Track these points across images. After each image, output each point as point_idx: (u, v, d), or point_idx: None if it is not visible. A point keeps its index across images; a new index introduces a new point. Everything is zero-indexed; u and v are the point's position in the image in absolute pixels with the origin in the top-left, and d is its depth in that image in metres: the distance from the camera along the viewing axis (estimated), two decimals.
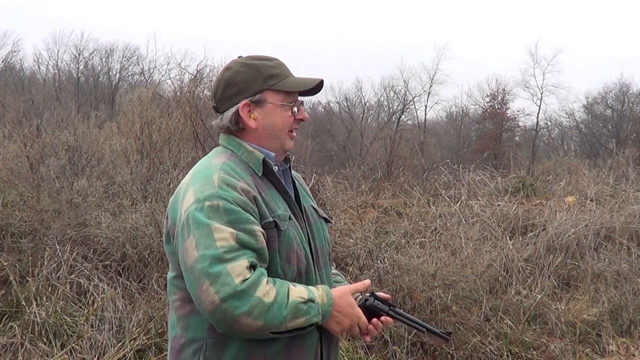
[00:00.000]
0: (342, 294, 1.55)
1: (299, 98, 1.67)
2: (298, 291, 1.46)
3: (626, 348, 4.58)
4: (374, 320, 1.61)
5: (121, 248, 4.75)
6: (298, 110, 1.66)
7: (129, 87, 28.92)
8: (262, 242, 1.47)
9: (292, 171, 1.79)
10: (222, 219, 1.43)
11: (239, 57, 1.67)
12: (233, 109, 1.61)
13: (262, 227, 1.49)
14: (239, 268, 1.38)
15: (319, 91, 1.67)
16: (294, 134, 1.67)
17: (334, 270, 1.87)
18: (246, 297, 1.37)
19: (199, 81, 9.43)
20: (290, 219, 1.58)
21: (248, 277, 1.39)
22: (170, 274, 1.61)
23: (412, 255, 4.87)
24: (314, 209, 1.76)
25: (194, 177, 1.55)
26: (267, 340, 1.46)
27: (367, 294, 1.66)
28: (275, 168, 1.63)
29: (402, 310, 1.67)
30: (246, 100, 1.59)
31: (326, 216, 1.82)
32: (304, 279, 1.58)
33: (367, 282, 1.66)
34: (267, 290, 1.40)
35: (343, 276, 1.91)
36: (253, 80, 1.60)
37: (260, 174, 1.59)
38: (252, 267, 1.42)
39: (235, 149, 1.62)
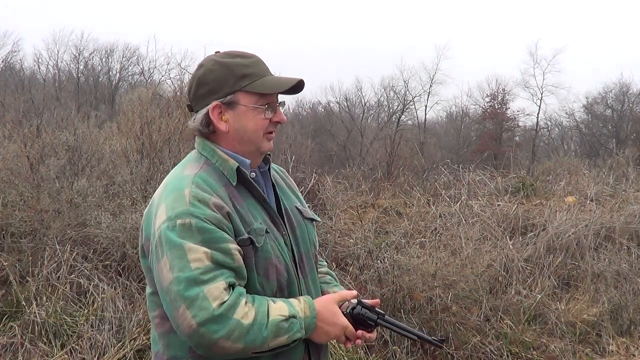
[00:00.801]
0: (325, 304, 1.50)
1: (281, 98, 1.57)
2: (278, 308, 1.41)
3: (626, 348, 4.58)
4: (359, 332, 1.54)
5: (121, 248, 4.75)
6: (275, 112, 1.54)
7: (129, 87, 28.93)
8: (239, 260, 1.41)
9: (275, 167, 1.71)
10: (196, 238, 1.36)
11: (215, 53, 1.56)
12: (204, 110, 1.51)
13: (237, 244, 1.42)
14: (216, 291, 1.33)
15: (299, 91, 1.56)
16: (272, 135, 1.57)
17: (324, 269, 1.80)
18: (224, 320, 1.32)
19: None
20: (267, 232, 1.49)
21: (226, 299, 1.33)
22: (148, 290, 1.54)
23: (412, 255, 4.87)
24: (298, 210, 1.67)
25: (166, 189, 1.47)
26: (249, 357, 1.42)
27: (355, 302, 1.58)
28: (253, 174, 1.55)
29: (391, 318, 1.60)
30: (217, 101, 1.49)
31: (312, 216, 1.73)
32: (286, 292, 1.52)
33: (354, 292, 1.60)
34: (245, 311, 1.35)
35: (334, 275, 1.83)
36: (225, 80, 1.49)
37: (234, 184, 1.50)
38: (230, 286, 1.37)
39: (210, 156, 1.53)
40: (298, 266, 1.58)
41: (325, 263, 1.88)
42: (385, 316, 1.59)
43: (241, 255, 1.42)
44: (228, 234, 1.41)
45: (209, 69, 1.51)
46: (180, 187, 1.44)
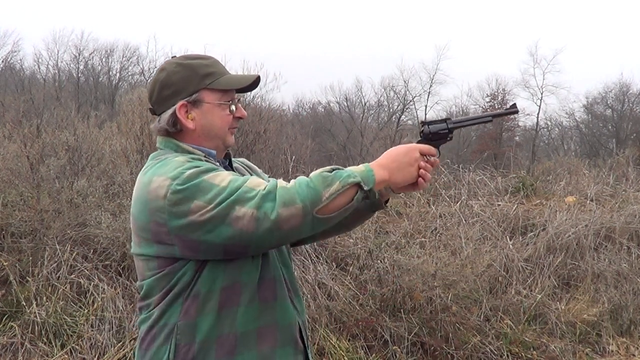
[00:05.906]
0: (382, 156, 1.56)
1: (236, 95, 1.65)
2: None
3: (626, 348, 4.58)
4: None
5: (121, 248, 4.75)
6: (236, 108, 1.63)
7: (129, 87, 28.87)
8: None
9: (236, 160, 1.77)
10: (207, 174, 1.42)
11: (173, 57, 1.63)
12: (170, 111, 1.57)
13: None
14: (254, 181, 1.40)
15: (255, 87, 1.65)
16: (234, 130, 1.66)
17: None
18: (272, 195, 1.36)
19: None
20: None
21: (266, 184, 1.39)
22: (139, 283, 1.54)
23: (412, 255, 4.87)
24: None
25: (149, 179, 1.46)
26: (237, 319, 1.45)
27: (420, 126, 1.65)
28: (218, 164, 1.60)
29: (459, 117, 1.68)
30: (183, 100, 1.56)
31: None
32: (260, 258, 1.53)
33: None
34: (286, 183, 1.41)
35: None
36: (189, 80, 1.56)
37: None
38: None
39: (174, 150, 1.58)
40: None
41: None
42: (452, 118, 1.66)
43: None
44: None
45: (172, 71, 1.57)
46: (169, 163, 1.47)
